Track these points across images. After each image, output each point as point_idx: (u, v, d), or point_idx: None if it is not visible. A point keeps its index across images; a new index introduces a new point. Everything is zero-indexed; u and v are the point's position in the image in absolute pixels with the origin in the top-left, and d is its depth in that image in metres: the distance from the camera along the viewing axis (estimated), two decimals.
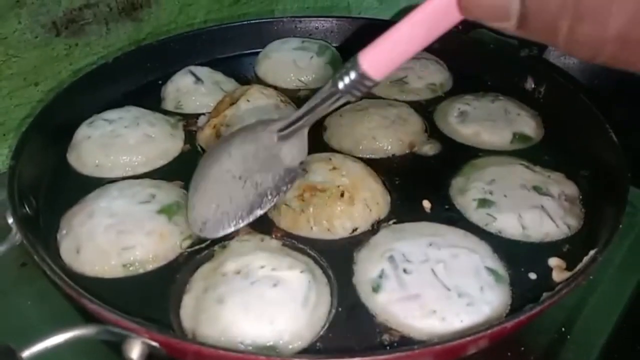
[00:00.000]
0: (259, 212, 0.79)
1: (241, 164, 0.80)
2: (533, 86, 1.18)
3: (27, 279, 0.91)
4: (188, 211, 0.83)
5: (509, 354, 0.79)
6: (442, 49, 1.27)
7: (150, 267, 0.80)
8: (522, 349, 0.80)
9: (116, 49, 1.29)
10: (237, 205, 0.79)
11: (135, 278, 0.79)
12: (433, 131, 1.09)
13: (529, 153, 1.03)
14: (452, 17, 0.54)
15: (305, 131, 0.76)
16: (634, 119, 1.18)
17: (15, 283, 0.91)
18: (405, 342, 0.70)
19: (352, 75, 0.61)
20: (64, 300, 0.85)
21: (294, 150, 0.78)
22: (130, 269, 0.80)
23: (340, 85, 0.63)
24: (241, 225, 0.79)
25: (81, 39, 1.24)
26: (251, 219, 0.79)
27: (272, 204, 0.78)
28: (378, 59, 0.60)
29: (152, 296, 0.76)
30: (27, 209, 0.85)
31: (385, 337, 0.71)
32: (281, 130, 0.77)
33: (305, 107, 0.71)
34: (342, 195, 0.85)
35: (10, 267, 0.92)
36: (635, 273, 0.94)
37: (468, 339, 0.61)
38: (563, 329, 0.84)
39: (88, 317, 0.74)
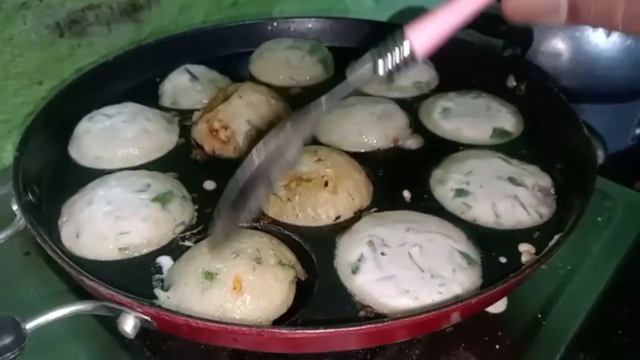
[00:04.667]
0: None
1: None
2: (514, 84, 1.21)
3: (30, 266, 0.95)
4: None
5: (486, 338, 0.83)
6: None
7: (144, 250, 0.85)
8: (499, 333, 0.84)
9: (118, 49, 1.31)
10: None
11: (130, 261, 0.84)
12: (417, 126, 1.13)
13: (507, 147, 1.06)
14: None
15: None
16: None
17: (19, 270, 0.95)
18: (379, 318, 0.75)
19: (396, 51, 0.60)
20: (64, 286, 0.90)
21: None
22: (126, 252, 0.84)
23: (380, 63, 0.61)
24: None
25: (84, 40, 1.27)
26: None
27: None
28: (426, 35, 0.59)
29: (146, 277, 0.81)
30: (31, 197, 0.88)
31: (362, 313, 0.76)
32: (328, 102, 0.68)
33: (343, 84, 0.65)
34: (325, 184, 0.90)
35: (15, 255, 0.97)
36: (610, 263, 0.98)
37: (434, 313, 0.66)
38: (539, 315, 0.88)
39: (86, 298, 0.79)
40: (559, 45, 1.34)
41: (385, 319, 0.65)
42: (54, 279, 0.91)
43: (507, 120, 1.12)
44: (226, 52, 1.39)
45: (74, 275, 0.73)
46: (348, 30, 1.43)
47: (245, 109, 1.04)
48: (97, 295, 0.71)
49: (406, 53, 0.60)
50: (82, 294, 0.78)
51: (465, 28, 1.37)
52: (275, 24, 1.42)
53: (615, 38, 1.30)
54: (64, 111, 1.07)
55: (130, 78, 1.25)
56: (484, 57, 1.28)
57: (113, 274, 0.80)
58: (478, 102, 1.16)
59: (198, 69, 1.25)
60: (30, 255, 0.97)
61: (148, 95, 1.21)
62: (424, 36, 0.59)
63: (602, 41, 1.31)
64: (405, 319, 0.65)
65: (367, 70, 0.63)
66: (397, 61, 0.60)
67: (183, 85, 1.21)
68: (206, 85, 1.22)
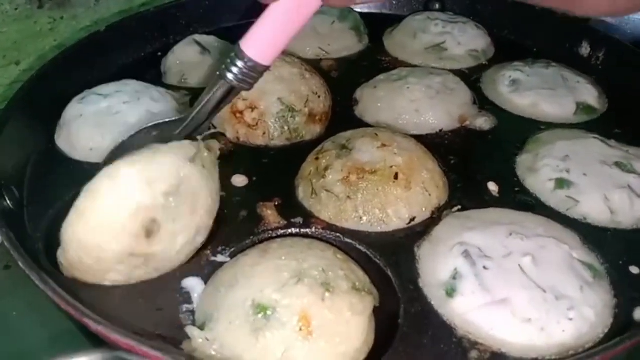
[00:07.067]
0: None
1: None
2: (589, 51, 1.07)
3: (11, 284, 0.82)
4: None
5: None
6: (480, 12, 1.18)
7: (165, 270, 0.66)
8: None
9: (105, 23, 1.17)
10: None
11: (147, 284, 0.66)
12: (483, 102, 0.98)
13: (597, 125, 0.93)
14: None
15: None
16: None
17: None
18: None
19: (240, 64, 0.64)
20: (56, 310, 0.71)
21: None
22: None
23: (230, 76, 0.65)
24: None
25: (67, 12, 1.17)
26: None
27: None
28: (261, 44, 0.63)
29: (170, 308, 0.63)
30: (9, 202, 0.74)
31: (473, 354, 0.57)
32: (180, 133, 0.72)
33: (197, 107, 0.69)
34: (395, 177, 0.72)
35: None
36: None
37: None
38: None
39: (90, 333, 0.61)
40: None
41: None
42: (43, 300, 0.70)
43: (590, 93, 0.98)
44: (237, 21, 1.22)
45: (76, 317, 0.53)
46: None
47: (275, 85, 0.89)
48: (110, 342, 0.52)
49: (250, 65, 0.65)
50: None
51: None
52: None
53: None
54: (48, 92, 0.92)
55: (127, 52, 1.12)
56: (545, 22, 1.13)
57: (124, 304, 0.62)
58: (550, 72, 1.01)
59: (208, 40, 1.11)
60: (11, 269, 0.83)
61: (148, 72, 1.06)
62: (261, 47, 0.64)
63: None
64: None
65: (220, 86, 0.67)
66: (245, 72, 0.65)
67: (191, 60, 1.06)
68: (218, 59, 1.06)
